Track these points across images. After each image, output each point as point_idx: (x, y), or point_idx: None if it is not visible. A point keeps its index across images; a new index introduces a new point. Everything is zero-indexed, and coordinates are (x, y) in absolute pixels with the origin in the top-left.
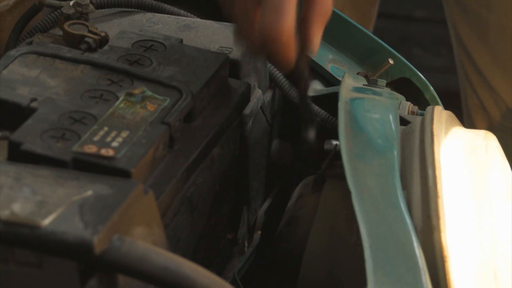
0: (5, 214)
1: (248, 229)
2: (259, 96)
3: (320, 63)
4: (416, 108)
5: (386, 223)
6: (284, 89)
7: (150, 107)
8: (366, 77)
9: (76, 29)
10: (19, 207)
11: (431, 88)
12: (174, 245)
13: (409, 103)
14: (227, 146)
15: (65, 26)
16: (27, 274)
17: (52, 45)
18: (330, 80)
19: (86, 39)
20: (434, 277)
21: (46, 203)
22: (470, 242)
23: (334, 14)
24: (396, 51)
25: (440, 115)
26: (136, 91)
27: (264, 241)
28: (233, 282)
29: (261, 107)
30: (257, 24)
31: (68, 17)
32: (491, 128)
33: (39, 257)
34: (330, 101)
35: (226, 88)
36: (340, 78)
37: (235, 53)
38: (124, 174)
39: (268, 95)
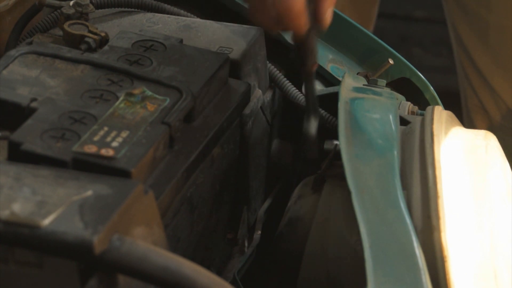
0: (5, 214)
1: (248, 229)
2: (259, 96)
3: (320, 63)
4: (416, 108)
5: (386, 223)
6: (284, 89)
7: (150, 107)
8: (366, 77)
9: (76, 29)
10: (19, 207)
11: (431, 88)
12: (174, 245)
13: (409, 103)
14: (227, 146)
15: (65, 26)
16: (27, 274)
17: (52, 45)
18: (330, 80)
19: (86, 39)
20: (434, 277)
21: (46, 203)
22: (470, 242)
23: (334, 14)
24: (396, 51)
25: (440, 115)
26: (136, 91)
27: (264, 241)
28: (233, 282)
29: (261, 107)
30: None
31: (68, 17)
32: (491, 128)
33: (39, 257)
34: (330, 101)
35: (226, 88)
36: (340, 78)
37: (235, 53)
38: (124, 174)
39: (268, 95)
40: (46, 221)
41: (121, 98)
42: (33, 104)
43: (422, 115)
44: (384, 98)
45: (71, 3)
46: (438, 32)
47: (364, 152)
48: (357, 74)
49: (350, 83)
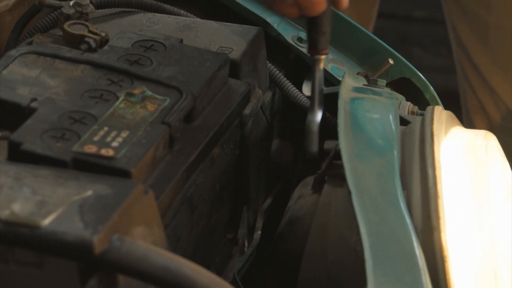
0: (5, 214)
1: (248, 229)
2: (259, 96)
3: None
4: (416, 108)
5: (386, 223)
6: (284, 89)
7: (150, 107)
8: (366, 77)
9: (76, 29)
10: (19, 207)
11: (431, 88)
12: (174, 245)
13: (409, 103)
14: (227, 146)
15: (65, 26)
16: (27, 274)
17: (52, 45)
18: (330, 80)
19: (86, 39)
20: (434, 277)
21: (46, 203)
22: (470, 242)
23: (334, 14)
24: (396, 51)
25: (440, 115)
26: (136, 91)
27: (264, 241)
28: (233, 282)
29: (261, 107)
30: None
31: (68, 17)
32: (490, 129)
33: (39, 257)
34: (330, 101)
35: (226, 88)
36: (340, 78)
37: (235, 53)
38: (124, 174)
39: (268, 95)
40: (46, 221)
41: (121, 98)
42: (33, 104)
43: (422, 115)
44: (384, 98)
45: (71, 3)
46: (438, 32)
47: (364, 152)
48: (357, 74)
49: (350, 83)
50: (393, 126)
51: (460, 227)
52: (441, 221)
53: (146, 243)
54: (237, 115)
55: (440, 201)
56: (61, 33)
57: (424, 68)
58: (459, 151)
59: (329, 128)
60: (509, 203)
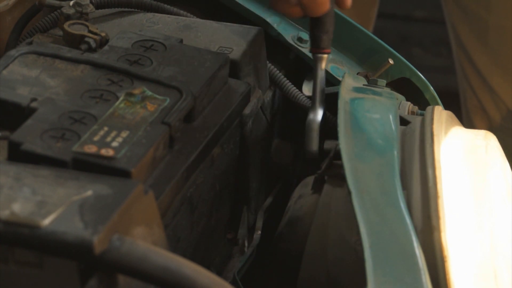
0: (5, 214)
1: (248, 229)
2: (259, 96)
3: None
4: (416, 108)
5: (386, 223)
6: (284, 89)
7: (150, 107)
8: (366, 77)
9: (76, 29)
10: (19, 207)
11: (431, 88)
12: (174, 245)
13: (409, 103)
14: (227, 146)
15: (65, 26)
16: (27, 274)
17: (52, 45)
18: (330, 80)
19: (86, 39)
20: (434, 277)
21: (46, 203)
22: (470, 242)
23: (334, 14)
24: (396, 51)
25: (440, 115)
26: (136, 91)
27: (264, 241)
28: (233, 282)
29: (261, 107)
30: None
31: (68, 17)
32: (490, 129)
33: (39, 257)
34: (330, 101)
35: (226, 88)
36: (340, 78)
37: (235, 53)
38: (124, 174)
39: (268, 95)
40: (46, 221)
41: (121, 98)
42: (33, 104)
43: (422, 115)
44: (384, 98)
45: (71, 3)
46: (438, 32)
47: (364, 152)
48: (357, 74)
49: (350, 83)
50: (393, 126)
51: (460, 227)
52: (441, 221)
53: (146, 243)
54: (237, 115)
55: (440, 201)
56: (61, 33)
57: (424, 68)
58: (459, 151)
59: (329, 128)
60: (509, 203)
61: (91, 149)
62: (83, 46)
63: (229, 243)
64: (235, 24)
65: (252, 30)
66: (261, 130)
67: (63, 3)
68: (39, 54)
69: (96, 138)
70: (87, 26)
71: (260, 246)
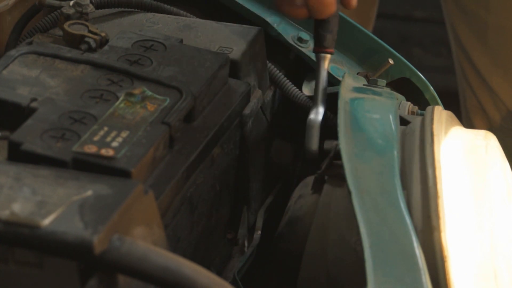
0: (5, 214)
1: (248, 229)
2: (259, 96)
3: None
4: (416, 108)
5: (386, 223)
6: (285, 89)
7: (150, 107)
8: (366, 77)
9: (76, 29)
10: (19, 207)
11: (431, 88)
12: (174, 245)
13: (409, 103)
14: (227, 146)
15: (65, 26)
16: (27, 274)
17: (52, 45)
18: (330, 80)
19: (86, 39)
20: (434, 277)
21: (46, 203)
22: (470, 242)
23: None
24: (396, 51)
25: (440, 115)
26: (136, 91)
27: (264, 241)
28: (233, 282)
29: (261, 107)
30: None
31: (68, 17)
32: (490, 129)
33: (39, 257)
34: (330, 101)
35: (226, 88)
36: (340, 78)
37: (235, 53)
38: (124, 174)
39: (268, 95)
40: (46, 221)
41: (121, 98)
42: (33, 104)
43: (422, 115)
44: (384, 98)
45: (71, 3)
46: (438, 32)
47: (364, 152)
48: (357, 74)
49: (350, 83)
50: (393, 126)
51: (460, 227)
52: (441, 221)
53: (146, 243)
54: (237, 115)
55: (440, 201)
56: (61, 33)
57: (424, 68)
58: (459, 151)
59: (329, 128)
60: (509, 203)
61: (91, 149)
62: (83, 46)
63: (229, 243)
64: (235, 24)
65: (252, 30)
66: (261, 130)
67: (63, 3)
68: (39, 54)
69: (96, 138)
70: (87, 26)
71: (260, 246)
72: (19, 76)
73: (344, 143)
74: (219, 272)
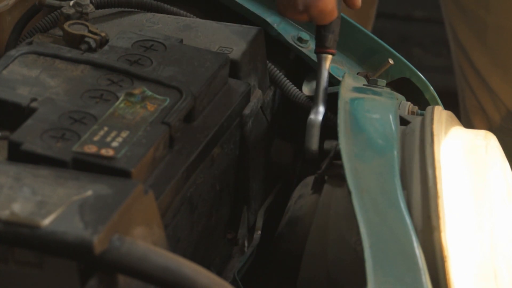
0: (5, 214)
1: (248, 229)
2: (259, 96)
3: None
4: (416, 108)
5: (386, 223)
6: (285, 89)
7: (150, 107)
8: (366, 77)
9: (76, 29)
10: (19, 207)
11: (431, 88)
12: (174, 245)
13: (409, 103)
14: (227, 146)
15: (65, 26)
16: (27, 274)
17: (52, 45)
18: (330, 80)
19: (86, 39)
20: (434, 277)
21: (46, 203)
22: (470, 242)
23: None
24: (396, 51)
25: (440, 115)
26: (136, 91)
27: (264, 241)
28: (233, 282)
29: (261, 107)
30: None
31: (68, 17)
32: (490, 129)
33: (39, 257)
34: (330, 101)
35: (226, 88)
36: (340, 78)
37: (235, 53)
38: (124, 174)
39: (268, 95)
40: (46, 221)
41: (121, 98)
42: (33, 104)
43: (422, 115)
44: (384, 98)
45: (71, 3)
46: (438, 32)
47: (364, 152)
48: (357, 74)
49: (350, 83)
50: (393, 126)
51: (460, 227)
52: (441, 221)
53: (146, 243)
54: (237, 115)
55: (440, 201)
56: (61, 33)
57: (424, 68)
58: (459, 151)
59: (329, 128)
60: (509, 203)
61: (91, 149)
62: (83, 46)
63: (229, 243)
64: (235, 24)
65: (252, 30)
66: (261, 130)
67: (63, 3)
68: (39, 54)
69: (96, 138)
70: (87, 26)
71: (260, 246)
72: (19, 76)
73: (344, 143)
74: (219, 272)
